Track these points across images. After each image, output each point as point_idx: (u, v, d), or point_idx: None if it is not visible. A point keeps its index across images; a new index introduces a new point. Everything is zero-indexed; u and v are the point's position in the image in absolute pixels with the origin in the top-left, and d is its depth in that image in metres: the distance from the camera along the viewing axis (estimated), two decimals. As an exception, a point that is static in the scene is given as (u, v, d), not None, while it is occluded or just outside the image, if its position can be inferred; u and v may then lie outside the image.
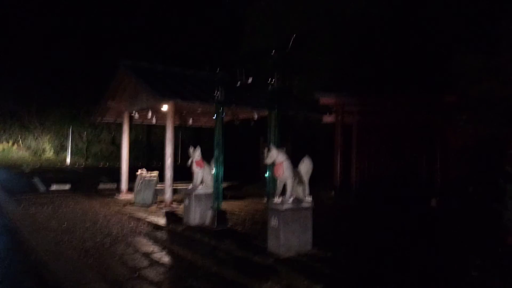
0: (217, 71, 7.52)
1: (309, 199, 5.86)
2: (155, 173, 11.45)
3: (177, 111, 11.66)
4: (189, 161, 7.94)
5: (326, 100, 11.58)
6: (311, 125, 12.50)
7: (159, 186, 11.29)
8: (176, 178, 10.57)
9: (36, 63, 25.85)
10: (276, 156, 5.68)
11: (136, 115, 12.21)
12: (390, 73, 12.91)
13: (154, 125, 17.10)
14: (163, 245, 6.81)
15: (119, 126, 24.20)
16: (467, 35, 9.93)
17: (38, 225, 8.41)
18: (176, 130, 17.82)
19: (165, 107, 10.84)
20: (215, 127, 7.74)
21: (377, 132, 11.80)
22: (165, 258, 6.13)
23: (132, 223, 8.73)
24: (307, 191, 5.90)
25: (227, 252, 5.96)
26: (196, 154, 7.85)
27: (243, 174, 15.41)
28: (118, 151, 26.53)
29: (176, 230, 7.59)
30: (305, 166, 5.89)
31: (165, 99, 9.41)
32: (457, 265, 5.25)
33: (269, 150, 5.78)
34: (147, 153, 24.91)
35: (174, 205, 10.23)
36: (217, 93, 7.55)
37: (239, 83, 7.06)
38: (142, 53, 17.01)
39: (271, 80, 6.34)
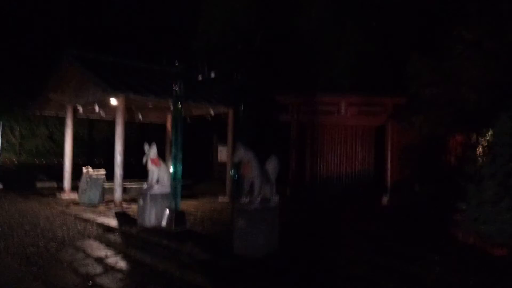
0: (176, 64, 7.12)
1: (276, 198, 5.71)
2: (102, 171, 10.73)
3: (127, 106, 10.99)
4: (144, 158, 7.48)
5: (283, 99, 11.55)
6: (268, 124, 12.40)
7: (106, 185, 10.60)
8: (125, 176, 9.97)
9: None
10: (243, 154, 5.46)
11: (81, 109, 11.36)
12: (345, 74, 13.21)
13: (96, 120, 16.16)
14: (118, 249, 6.31)
15: (58, 121, 22.54)
16: (421, 40, 10.37)
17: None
18: (111, 126, 16.90)
19: (114, 101, 10.15)
20: (173, 124, 7.34)
21: (330, 131, 11.97)
22: (121, 263, 5.68)
23: (79, 225, 8.06)
24: (274, 190, 5.74)
25: (190, 255, 5.64)
26: (152, 152, 7.40)
27: (196, 173, 14.99)
28: (57, 148, 24.65)
29: (131, 232, 7.10)
30: (272, 165, 5.73)
31: (116, 92, 8.81)
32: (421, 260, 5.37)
33: (236, 148, 5.55)
34: (89, 150, 23.47)
35: (125, 205, 9.64)
36: (176, 87, 7.16)
37: (200, 77, 6.72)
38: (89, 44, 15.79)
39: (236, 75, 6.09)
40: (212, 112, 10.86)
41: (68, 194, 11.58)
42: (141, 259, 5.78)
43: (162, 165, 7.53)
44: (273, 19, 12.66)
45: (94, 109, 10.78)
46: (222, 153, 14.77)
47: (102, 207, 9.70)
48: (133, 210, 9.34)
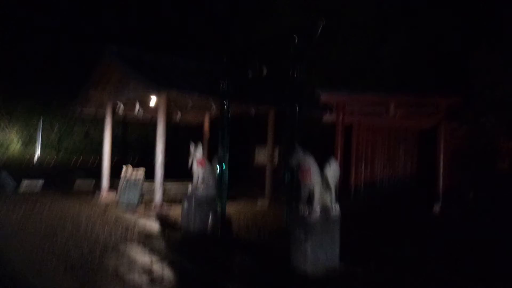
0: (224, 60, 6.72)
1: (337, 207, 5.20)
2: (141, 171, 10.53)
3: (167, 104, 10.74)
4: (190, 159, 7.13)
5: (327, 98, 10.96)
6: (309, 124, 11.87)
7: (145, 185, 10.39)
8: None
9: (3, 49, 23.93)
10: (302, 158, 4.98)
11: (121, 107, 11.19)
12: (390, 73, 12.52)
13: (130, 121, 16.03)
14: (163, 255, 5.96)
15: (94, 119, 22.79)
16: (474, 33, 9.55)
17: (12, 229, 7.39)
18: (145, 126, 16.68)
19: (153, 100, 9.94)
20: (221, 123, 6.95)
21: (378, 133, 11.31)
22: (169, 273, 5.31)
23: (120, 227, 7.82)
24: (334, 198, 5.23)
25: (243, 267, 5.22)
26: (198, 152, 7.04)
27: (232, 175, 14.65)
28: (92, 145, 25.05)
29: (175, 237, 6.76)
30: (332, 171, 5.21)
31: (160, 89, 8.52)
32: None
33: (295, 151, 5.07)
34: (123, 149, 23.63)
35: (165, 206, 9.35)
36: (224, 85, 6.77)
37: (250, 73, 6.30)
38: (126, 40, 15.73)
39: (293, 73, 5.62)
40: (253, 112, 10.44)
41: (107, 193, 11.46)
42: (188, 268, 5.42)
43: (208, 166, 7.16)
44: (314, 16, 12.12)
45: (135, 107, 10.58)
46: (259, 155, 14.34)
47: (141, 209, 9.47)
48: (174, 212, 9.06)
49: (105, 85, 11.14)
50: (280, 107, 10.53)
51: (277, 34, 9.68)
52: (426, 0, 10.48)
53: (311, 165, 4.98)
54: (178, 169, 10.73)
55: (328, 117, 11.21)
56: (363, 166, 11.43)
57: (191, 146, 7.18)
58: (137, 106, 10.38)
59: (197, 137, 14.94)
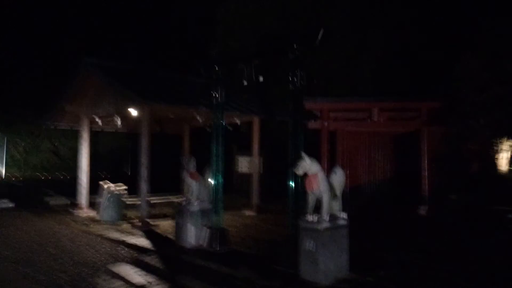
0: (216, 69, 6.53)
1: (344, 215, 5.08)
2: (123, 186, 10.08)
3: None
4: (183, 172, 6.85)
5: (311, 105, 10.97)
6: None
7: (129, 201, 9.96)
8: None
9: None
10: (309, 166, 4.84)
11: (100, 121, 10.72)
12: (369, 79, 12.70)
13: (100, 132, 15.40)
14: (160, 275, 5.62)
15: (63, 135, 21.79)
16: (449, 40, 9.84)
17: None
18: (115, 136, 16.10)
19: (134, 112, 9.59)
20: (213, 134, 6.73)
21: (362, 138, 11.41)
22: (173, 295, 5.01)
23: (107, 246, 7.38)
24: (341, 206, 5.12)
25: (249, 282, 4.98)
26: (191, 165, 6.77)
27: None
28: (62, 162, 23.96)
29: (169, 254, 6.43)
30: (338, 178, 5.11)
31: (145, 101, 8.19)
32: None
33: (300, 158, 4.93)
34: (93, 164, 22.77)
35: (151, 222, 8.95)
36: (216, 94, 6.57)
37: (245, 82, 6.13)
38: (104, 53, 15.13)
39: (293, 79, 5.51)
40: (238, 121, 10.27)
41: (85, 211, 10.89)
42: (191, 287, 5.12)
43: (201, 179, 6.90)
44: (295, 23, 12.16)
45: (114, 121, 10.14)
46: (243, 164, 14.14)
47: (125, 225, 9.03)
48: (162, 227, 8.70)
49: (82, 98, 10.64)
50: (266, 115, 10.43)
51: (263, 42, 9.63)
52: (405, 8, 10.73)
53: (319, 172, 4.86)
54: (158, 182, 10.37)
55: (312, 124, 11.21)
56: (348, 172, 11.45)
57: (183, 159, 6.92)
58: (118, 120, 9.96)
59: (176, 149, 14.62)
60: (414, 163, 10.83)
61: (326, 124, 11.06)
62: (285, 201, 12.33)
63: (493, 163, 10.76)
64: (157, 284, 5.30)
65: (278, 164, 13.46)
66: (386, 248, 6.72)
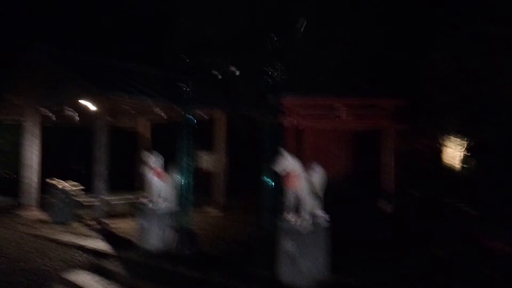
0: (187, 60, 6.09)
1: (325, 216, 4.85)
2: (76, 184, 9.32)
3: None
4: (145, 170, 6.34)
5: (275, 102, 10.69)
6: (257, 128, 11.54)
7: (84, 201, 9.22)
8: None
9: None
10: (289, 163, 4.57)
11: (50, 115, 9.85)
12: (334, 76, 12.66)
13: (51, 126, 14.34)
14: (124, 282, 5.13)
15: (9, 130, 20.14)
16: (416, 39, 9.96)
17: None
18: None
19: (90, 105, 8.88)
20: (181, 130, 6.27)
21: (328, 135, 11.35)
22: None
23: (60, 251, 6.74)
24: (321, 206, 4.88)
25: (224, 286, 4.64)
26: (155, 162, 6.27)
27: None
28: (7, 159, 22.11)
29: (133, 259, 5.91)
30: (318, 176, 4.87)
31: (104, 94, 7.55)
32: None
33: (279, 155, 4.64)
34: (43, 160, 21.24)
35: (108, 223, 8.31)
36: (186, 88, 6.12)
37: (218, 74, 5.76)
38: (49, 39, 13.80)
39: (272, 72, 5.20)
40: (205, 116, 9.82)
41: (34, 213, 10.00)
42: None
43: (166, 177, 6.42)
44: (261, 16, 11.85)
45: (67, 114, 9.36)
46: (204, 161, 13.66)
47: (81, 227, 8.32)
48: (122, 229, 8.10)
49: (29, 89, 9.71)
50: (233, 110, 10.06)
51: (238, 35, 9.22)
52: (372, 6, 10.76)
53: (300, 170, 4.59)
54: (115, 181, 9.71)
55: (270, 120, 10.93)
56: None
57: (144, 154, 6.40)
58: (71, 113, 9.18)
59: (133, 143, 13.88)
60: (379, 160, 10.92)
61: (292, 120, 10.86)
62: (250, 199, 12.08)
63: (448, 160, 11.12)
64: (121, 293, 4.82)
65: (242, 162, 13.18)
66: (358, 245, 6.60)
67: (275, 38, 5.06)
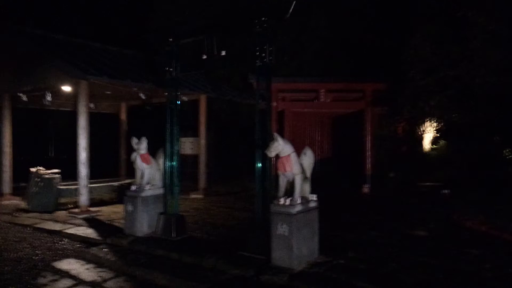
0: (171, 40, 5.96)
1: (314, 197, 4.94)
2: (55, 170, 9.08)
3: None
4: (133, 155, 6.24)
5: (257, 85, 10.66)
6: (238, 112, 11.52)
7: (63, 187, 9.00)
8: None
9: None
10: (282, 147, 4.60)
11: (24, 98, 9.46)
12: (314, 60, 12.70)
13: (23, 109, 13.85)
14: (114, 269, 5.10)
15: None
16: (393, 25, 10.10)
17: None
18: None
19: (67, 87, 8.61)
20: (168, 113, 6.18)
21: (309, 119, 11.45)
22: (130, 289, 4.53)
23: (43, 238, 6.59)
24: (310, 188, 4.97)
25: (218, 271, 4.67)
26: (141, 147, 6.18)
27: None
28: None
29: (121, 245, 5.87)
30: (308, 159, 4.94)
31: (84, 76, 7.30)
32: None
33: (273, 139, 4.66)
34: (15, 145, 20.44)
35: (91, 210, 8.17)
36: (171, 69, 6.01)
37: (204, 56, 5.66)
38: (25, 20, 13.09)
39: (261, 55, 5.18)
40: (186, 99, 9.68)
41: (9, 199, 9.72)
42: (153, 280, 4.69)
43: (153, 162, 6.35)
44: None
45: (43, 97, 9.01)
46: (184, 145, 13.56)
47: (62, 214, 8.15)
48: (105, 214, 8.00)
49: (3, 71, 9.29)
50: (214, 93, 9.97)
51: (223, 15, 9.02)
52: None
53: (291, 153, 4.64)
54: (94, 166, 9.51)
55: (261, 104, 10.94)
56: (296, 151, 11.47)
57: (132, 140, 6.29)
58: (48, 96, 8.85)
59: (113, 128, 13.57)
60: (358, 143, 11.14)
61: (274, 104, 10.87)
62: (232, 183, 12.07)
63: (420, 143, 11.49)
64: (111, 279, 4.79)
65: (224, 146, 13.14)
66: (343, 227, 6.79)
67: (263, 19, 4.98)
